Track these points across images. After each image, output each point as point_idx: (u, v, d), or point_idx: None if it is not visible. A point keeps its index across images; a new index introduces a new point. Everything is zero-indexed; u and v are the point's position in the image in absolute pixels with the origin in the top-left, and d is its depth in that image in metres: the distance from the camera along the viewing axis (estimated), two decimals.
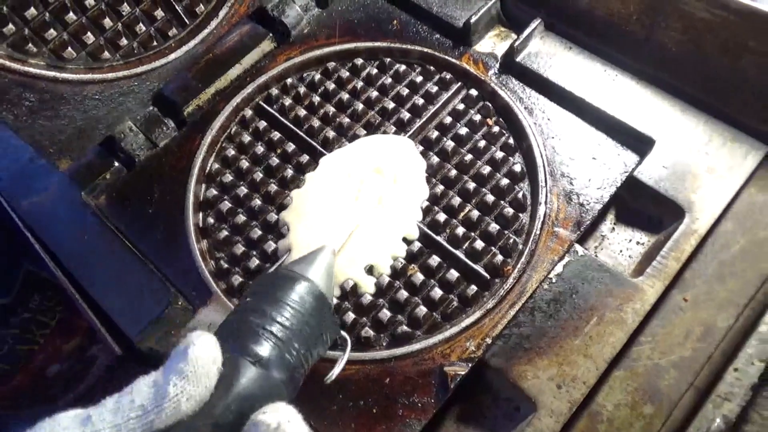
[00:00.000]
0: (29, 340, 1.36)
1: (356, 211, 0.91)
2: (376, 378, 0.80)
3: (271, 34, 1.11)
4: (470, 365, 0.79)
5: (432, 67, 1.06)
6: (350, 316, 0.85)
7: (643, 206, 0.91)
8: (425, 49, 1.07)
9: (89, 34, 0.97)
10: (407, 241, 0.89)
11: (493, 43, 1.07)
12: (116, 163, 1.01)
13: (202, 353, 0.45)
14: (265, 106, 1.06)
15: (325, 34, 1.12)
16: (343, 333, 0.68)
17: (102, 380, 1.41)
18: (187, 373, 0.44)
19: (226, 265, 0.91)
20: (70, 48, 0.96)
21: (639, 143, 0.92)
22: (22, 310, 1.34)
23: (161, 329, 0.85)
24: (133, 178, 1.01)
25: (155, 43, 1.05)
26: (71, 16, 0.94)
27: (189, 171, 0.99)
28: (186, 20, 1.06)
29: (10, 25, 0.90)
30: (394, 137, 0.99)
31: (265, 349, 0.52)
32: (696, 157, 0.90)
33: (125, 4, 0.99)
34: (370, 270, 0.87)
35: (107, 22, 0.98)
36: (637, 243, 0.91)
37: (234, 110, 1.05)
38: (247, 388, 0.49)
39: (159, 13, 1.03)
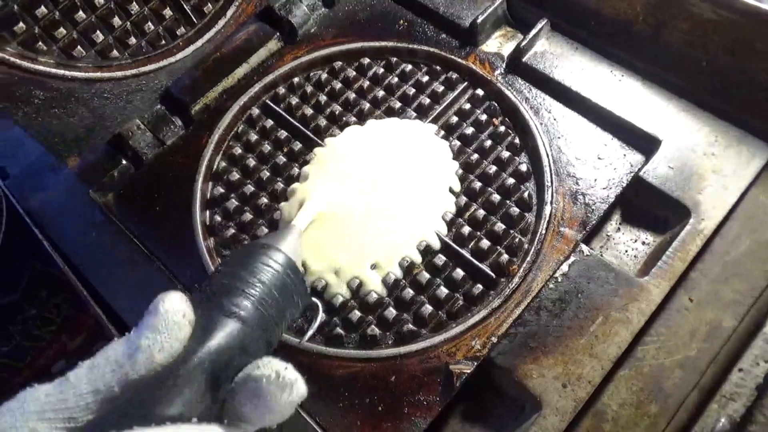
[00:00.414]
0: (35, 336, 1.37)
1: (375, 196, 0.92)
2: (382, 376, 0.80)
3: (278, 34, 1.12)
4: (476, 364, 0.79)
5: (438, 67, 1.07)
6: (356, 314, 0.86)
7: (649, 206, 0.91)
8: (432, 49, 1.07)
9: (98, 32, 0.98)
10: (423, 248, 0.89)
11: (499, 43, 1.08)
12: (124, 161, 1.01)
13: (170, 306, 0.46)
14: (271, 104, 1.06)
15: (332, 33, 1.13)
16: (314, 299, 0.69)
17: None
18: (158, 326, 0.45)
19: None
20: (79, 46, 0.96)
21: (645, 143, 0.92)
22: (28, 307, 1.35)
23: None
24: (141, 176, 1.01)
25: (163, 42, 1.06)
26: (81, 14, 0.95)
27: (196, 169, 1.00)
28: (194, 19, 1.07)
29: (21, 24, 0.90)
30: (434, 139, 1.00)
31: (242, 304, 0.53)
32: (702, 157, 0.90)
33: (134, 3, 1.00)
34: (375, 268, 0.88)
35: (116, 20, 0.99)
36: (643, 243, 0.91)
37: (241, 109, 1.06)
38: (225, 339, 0.49)
39: (167, 12, 1.03)
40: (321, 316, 0.70)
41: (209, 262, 0.92)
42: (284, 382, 0.45)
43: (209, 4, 1.07)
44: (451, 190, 0.94)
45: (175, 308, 0.46)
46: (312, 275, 0.88)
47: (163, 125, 1.02)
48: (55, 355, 1.40)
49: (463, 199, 0.93)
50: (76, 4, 0.94)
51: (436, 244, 0.89)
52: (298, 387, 0.46)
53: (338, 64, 1.10)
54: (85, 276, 0.93)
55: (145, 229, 0.96)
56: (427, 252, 0.89)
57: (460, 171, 0.96)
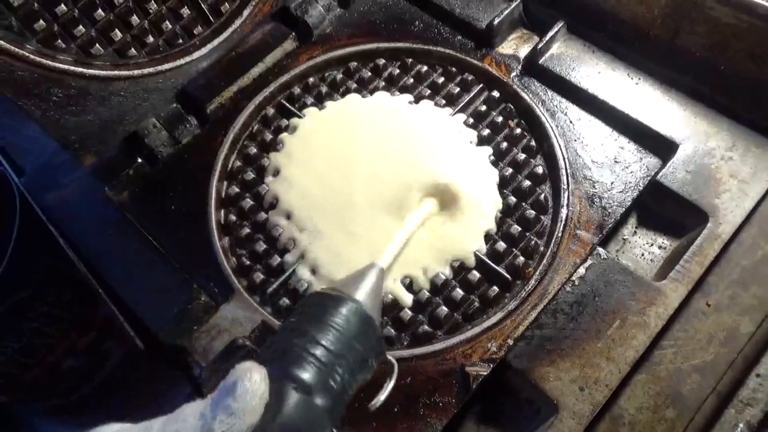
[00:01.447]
0: (46, 334, 1.37)
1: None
2: (398, 377, 0.80)
3: (293, 34, 1.12)
4: (492, 366, 0.79)
5: (454, 69, 1.07)
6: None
7: (666, 210, 0.91)
8: (447, 51, 1.07)
9: (117, 31, 0.98)
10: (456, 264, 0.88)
11: (515, 45, 1.07)
12: (139, 160, 1.01)
13: (250, 390, 0.45)
14: (287, 104, 1.06)
15: (347, 33, 1.13)
16: (390, 357, 0.66)
17: (116, 374, 1.43)
18: (234, 410, 0.44)
19: (247, 262, 0.92)
20: (97, 44, 0.97)
21: (662, 147, 0.92)
22: (39, 304, 1.35)
23: (184, 324, 0.85)
24: (156, 174, 1.01)
25: (180, 41, 1.06)
26: (100, 12, 0.95)
27: (211, 168, 1.00)
28: (211, 18, 1.07)
29: (41, 21, 0.90)
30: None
31: (308, 373, 0.51)
32: (720, 162, 0.89)
33: (152, 1, 1.00)
34: (409, 285, 0.87)
35: (134, 19, 0.99)
36: (659, 247, 0.91)
37: (256, 108, 1.06)
38: (291, 417, 0.48)
39: (185, 11, 1.03)
40: (395, 377, 0.65)
41: (224, 261, 0.92)
42: None
43: (226, 4, 1.08)
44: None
45: (255, 392, 0.45)
46: None
47: (178, 124, 1.03)
48: (64, 352, 1.40)
49: None
50: (95, 2, 0.95)
51: (472, 263, 0.88)
52: None
53: (353, 64, 1.10)
54: (99, 273, 0.93)
55: (160, 227, 0.96)
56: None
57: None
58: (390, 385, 0.65)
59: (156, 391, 1.29)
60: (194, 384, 0.83)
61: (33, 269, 1.29)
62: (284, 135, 1.02)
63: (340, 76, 1.09)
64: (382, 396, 0.64)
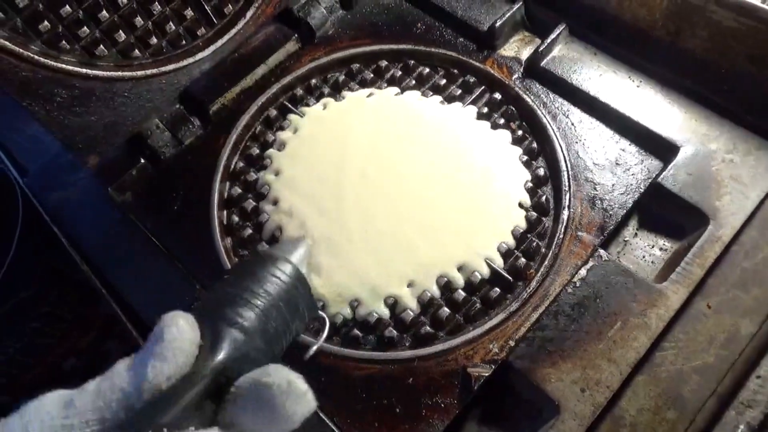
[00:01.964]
0: (47, 334, 1.38)
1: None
2: (400, 378, 0.81)
3: (296, 35, 1.12)
4: (493, 367, 0.79)
5: (456, 71, 1.07)
6: (374, 316, 0.86)
7: (667, 212, 0.92)
8: (449, 53, 1.08)
9: (121, 32, 0.98)
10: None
11: (517, 48, 1.08)
12: (142, 160, 1.02)
13: (177, 333, 0.45)
14: (289, 105, 1.07)
15: (350, 35, 1.13)
16: (321, 313, 0.68)
17: None
18: (165, 354, 0.44)
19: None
20: (101, 45, 0.97)
21: (663, 150, 0.92)
22: (41, 304, 1.35)
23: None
24: (159, 175, 1.02)
25: (184, 42, 1.06)
26: (104, 14, 0.95)
27: (214, 169, 1.00)
28: (214, 20, 1.07)
29: (45, 22, 0.91)
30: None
31: (247, 316, 0.52)
32: (720, 164, 0.90)
33: (156, 3, 1.00)
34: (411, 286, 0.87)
35: (138, 20, 0.99)
36: (660, 249, 0.91)
37: (259, 110, 1.06)
38: (230, 352, 0.48)
39: (189, 13, 1.04)
40: (327, 330, 0.68)
41: (227, 262, 0.92)
42: (296, 391, 0.44)
43: (229, 5, 1.08)
44: (521, 205, 0.91)
45: (182, 335, 0.45)
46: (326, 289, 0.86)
47: (181, 125, 1.03)
48: (66, 352, 1.41)
49: None
50: (99, 3, 0.95)
51: (485, 272, 0.87)
52: (308, 399, 0.44)
53: (356, 66, 1.10)
54: (102, 274, 0.93)
55: (163, 228, 0.96)
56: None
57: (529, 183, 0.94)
58: (322, 338, 0.67)
59: None
60: None
61: (35, 269, 1.29)
62: (287, 134, 1.03)
63: (342, 77, 1.09)
64: (314, 348, 0.66)
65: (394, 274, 0.86)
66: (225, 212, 0.98)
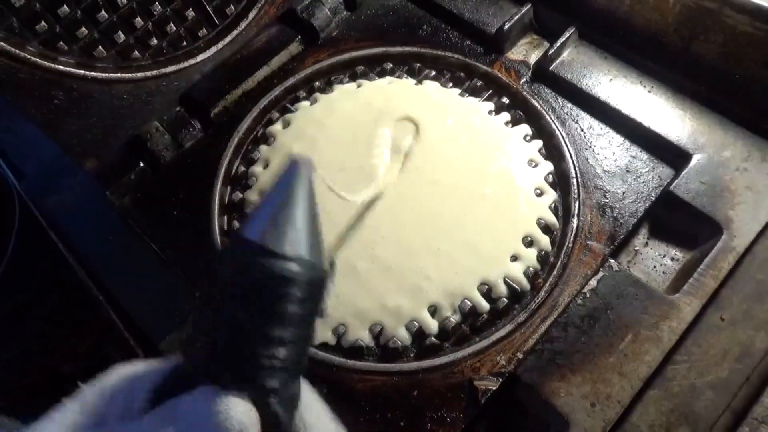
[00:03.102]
0: (45, 338, 1.36)
1: None
2: (404, 390, 0.79)
3: (299, 37, 1.10)
4: (501, 380, 0.77)
5: (462, 74, 1.05)
6: (377, 327, 0.83)
7: (678, 222, 0.89)
8: (456, 56, 1.06)
9: (120, 32, 0.96)
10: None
11: (525, 51, 1.06)
12: (141, 164, 1.00)
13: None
14: (292, 108, 1.05)
15: (354, 37, 1.11)
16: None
17: None
18: None
19: None
20: (100, 47, 0.95)
21: (675, 157, 0.90)
22: (38, 308, 1.33)
23: (185, 333, 0.84)
24: (159, 179, 1.00)
25: (185, 44, 1.04)
26: (103, 14, 0.93)
27: (215, 173, 0.98)
28: (216, 21, 1.05)
29: (43, 23, 0.89)
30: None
31: (272, 381, 0.44)
32: (734, 173, 0.88)
33: (157, 3, 0.98)
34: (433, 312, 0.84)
35: (138, 21, 0.97)
36: (672, 259, 0.89)
37: (261, 112, 1.04)
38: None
39: (190, 14, 1.02)
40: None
41: None
42: None
43: (232, 6, 1.06)
44: (540, 225, 0.88)
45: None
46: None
47: (181, 128, 1.01)
48: (64, 357, 1.39)
49: None
50: (98, 4, 0.93)
51: (505, 293, 0.84)
52: None
53: (360, 68, 1.08)
54: (100, 280, 0.91)
55: (162, 233, 0.94)
56: None
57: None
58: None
59: None
60: None
61: (32, 274, 1.27)
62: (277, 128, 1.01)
63: (346, 80, 1.07)
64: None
65: (417, 299, 0.83)
66: (226, 217, 0.96)
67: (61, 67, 0.91)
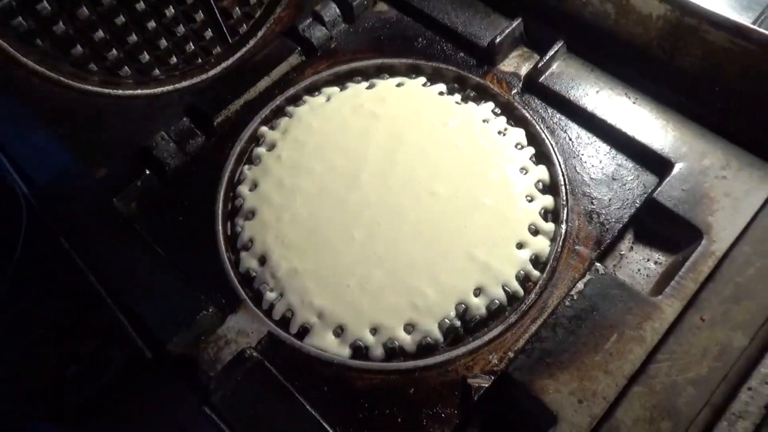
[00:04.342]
0: (49, 341, 1.38)
1: None
2: (401, 388, 0.82)
3: (299, 48, 1.14)
4: (493, 378, 0.81)
5: (456, 85, 1.09)
6: (395, 342, 0.86)
7: (662, 227, 0.94)
8: (450, 67, 1.10)
9: (145, 53, 0.98)
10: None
11: (516, 63, 1.10)
12: (147, 171, 1.03)
13: None
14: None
15: (352, 49, 1.15)
16: None
17: (119, 382, 1.44)
18: None
19: (254, 273, 0.94)
20: (126, 67, 0.97)
21: (658, 165, 0.95)
22: (43, 312, 1.36)
23: (192, 334, 0.87)
24: (164, 186, 1.03)
25: (199, 60, 1.07)
26: (133, 37, 0.96)
27: (218, 180, 1.02)
28: (229, 39, 1.07)
29: (78, 47, 0.90)
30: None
31: None
32: (714, 180, 0.92)
33: (181, 25, 1.01)
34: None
35: (162, 42, 0.99)
36: (655, 263, 0.93)
37: (262, 121, 1.08)
38: None
39: (208, 33, 1.04)
40: None
41: (231, 272, 0.94)
42: None
43: (244, 25, 1.08)
44: (532, 229, 0.93)
45: None
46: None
47: (186, 137, 1.05)
48: (67, 359, 1.41)
49: None
50: (128, 27, 0.94)
51: (503, 298, 0.88)
52: None
53: (357, 79, 1.12)
54: (108, 284, 0.94)
55: (168, 238, 0.97)
56: None
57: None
58: None
59: (159, 399, 1.30)
60: (198, 394, 0.84)
61: (37, 278, 1.30)
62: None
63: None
64: None
65: (416, 304, 0.87)
66: (229, 223, 1.00)
67: (89, 87, 0.93)
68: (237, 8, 1.07)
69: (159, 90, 1.01)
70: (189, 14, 1.02)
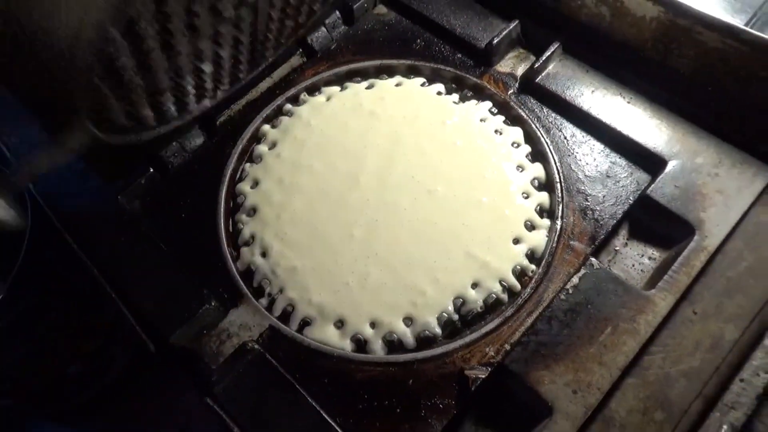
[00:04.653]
0: (52, 339, 1.39)
1: None
2: (400, 380, 0.84)
3: (300, 50, 1.16)
4: (490, 370, 0.83)
5: (454, 85, 1.11)
6: (394, 336, 0.88)
7: (655, 223, 0.95)
8: (448, 68, 1.12)
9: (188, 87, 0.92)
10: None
11: (512, 64, 1.12)
12: (151, 169, 1.05)
13: None
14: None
15: (352, 50, 1.17)
16: None
17: (121, 379, 1.45)
18: None
19: (255, 270, 0.95)
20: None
21: (651, 163, 0.97)
22: (47, 310, 1.37)
23: (195, 328, 0.89)
24: (167, 183, 1.05)
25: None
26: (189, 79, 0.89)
27: (220, 177, 1.04)
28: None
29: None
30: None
31: None
32: (706, 178, 0.94)
33: (223, 49, 0.92)
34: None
35: (208, 66, 0.91)
36: (649, 258, 0.95)
37: (264, 121, 1.10)
38: None
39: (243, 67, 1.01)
40: None
41: (233, 268, 0.95)
42: None
43: (271, 50, 1.05)
44: (528, 225, 0.95)
45: None
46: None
47: (189, 135, 1.06)
48: (70, 357, 1.42)
49: None
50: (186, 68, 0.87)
51: (501, 294, 0.90)
52: None
53: (357, 79, 1.14)
54: (112, 279, 0.96)
55: (170, 234, 0.99)
56: None
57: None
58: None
59: (160, 398, 1.32)
60: (200, 387, 0.86)
61: (41, 276, 1.31)
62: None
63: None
64: None
65: (417, 300, 0.89)
66: (231, 220, 1.01)
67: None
68: (272, 38, 1.03)
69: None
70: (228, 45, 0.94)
